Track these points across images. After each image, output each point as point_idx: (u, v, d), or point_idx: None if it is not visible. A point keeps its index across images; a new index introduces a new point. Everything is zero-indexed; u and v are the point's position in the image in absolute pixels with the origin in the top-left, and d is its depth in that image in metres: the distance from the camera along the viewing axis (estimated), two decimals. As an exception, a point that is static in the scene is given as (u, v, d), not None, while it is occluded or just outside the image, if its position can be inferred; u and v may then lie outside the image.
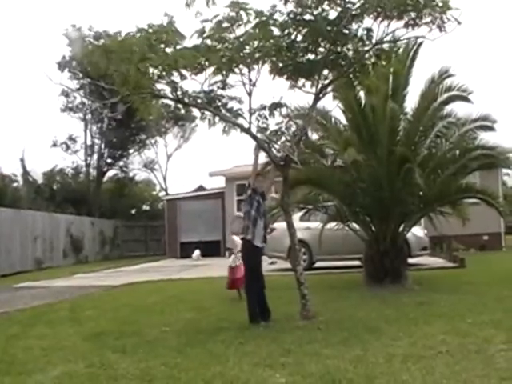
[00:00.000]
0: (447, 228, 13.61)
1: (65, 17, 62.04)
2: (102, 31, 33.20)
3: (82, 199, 37.39)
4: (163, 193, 46.98)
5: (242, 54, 8.26)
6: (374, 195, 11.78)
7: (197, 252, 28.18)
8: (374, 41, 8.61)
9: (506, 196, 31.75)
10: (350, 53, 8.72)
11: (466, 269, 15.36)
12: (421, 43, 11.80)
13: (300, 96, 10.68)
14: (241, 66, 8.47)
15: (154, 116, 9.72)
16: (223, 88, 8.78)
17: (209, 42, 8.23)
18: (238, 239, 9.86)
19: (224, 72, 8.48)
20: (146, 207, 46.89)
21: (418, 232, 16.78)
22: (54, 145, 38.81)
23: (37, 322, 9.79)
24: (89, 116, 38.57)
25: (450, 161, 12.21)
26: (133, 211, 44.46)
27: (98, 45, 8.75)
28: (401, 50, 11.80)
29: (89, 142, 39.35)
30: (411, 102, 12.64)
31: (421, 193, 12.10)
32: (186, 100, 8.83)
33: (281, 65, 8.54)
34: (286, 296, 9.10)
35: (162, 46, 8.23)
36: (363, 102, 12.05)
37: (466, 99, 12.14)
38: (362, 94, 11.82)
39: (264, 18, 8.12)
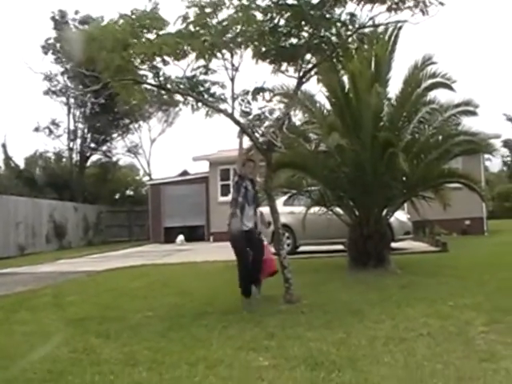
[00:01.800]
0: (430, 212, 13.73)
1: (48, -1, 61.38)
2: (87, 15, 33.15)
3: (64, 184, 37.12)
4: (147, 178, 46.77)
5: (224, 39, 8.27)
6: (358, 180, 11.83)
7: (180, 237, 28.20)
8: (356, 25, 8.62)
9: (487, 181, 32.11)
10: (333, 37, 8.73)
11: (448, 253, 15.50)
12: (401, 27, 11.76)
13: (283, 80, 10.71)
14: (223, 51, 8.48)
15: (136, 100, 9.66)
16: (206, 73, 8.79)
17: (191, 27, 8.22)
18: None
19: (206, 57, 8.47)
20: (129, 192, 46.74)
21: (401, 216, 16.90)
22: (37, 129, 38.44)
23: (19, 307, 9.75)
24: (72, 100, 38.23)
25: (432, 146, 12.29)
26: (116, 196, 44.25)
27: (80, 31, 8.78)
28: (383, 34, 11.89)
29: (72, 127, 38.99)
30: (394, 87, 12.72)
31: (404, 178, 12.19)
32: (169, 86, 8.83)
33: (264, 49, 8.56)
34: (269, 280, 9.12)
35: (145, 31, 8.23)
36: (347, 86, 12.05)
37: (449, 87, 12.21)
38: (345, 78, 11.83)
39: (246, 2, 8.11)
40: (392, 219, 14.19)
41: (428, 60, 12.27)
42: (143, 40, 8.21)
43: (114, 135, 41.53)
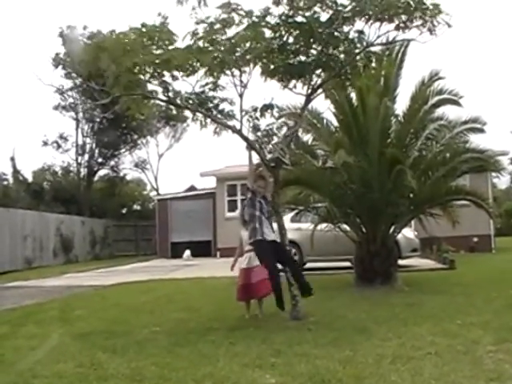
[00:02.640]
0: (437, 230, 13.70)
1: (60, 13, 62.15)
2: (96, 31, 33.38)
3: (72, 198, 37.32)
4: (154, 192, 47.00)
5: (233, 56, 8.32)
6: (365, 197, 11.80)
7: (187, 252, 28.21)
8: (364, 43, 8.66)
9: (495, 198, 32.01)
10: (342, 55, 8.78)
11: (455, 270, 15.44)
12: (408, 44, 11.82)
13: (291, 97, 10.75)
14: (232, 68, 8.52)
15: (145, 115, 9.76)
16: (214, 89, 8.83)
17: (201, 43, 8.28)
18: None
19: (215, 73, 8.53)
20: (136, 207, 46.97)
21: (408, 233, 16.84)
22: (45, 143, 38.76)
23: (26, 321, 9.75)
24: (81, 115, 38.63)
25: (440, 163, 12.27)
26: (123, 211, 44.45)
27: (90, 43, 8.87)
28: (391, 51, 11.96)
29: (80, 142, 39.37)
30: (401, 104, 12.75)
31: (411, 194, 12.17)
32: (178, 101, 8.90)
33: (272, 66, 8.61)
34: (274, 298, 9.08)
35: (154, 46, 8.31)
36: (354, 102, 12.10)
37: (456, 103, 12.25)
38: (353, 94, 11.89)
39: (256, 20, 8.18)
40: (399, 236, 14.15)
41: (435, 76, 12.31)
42: (152, 52, 8.29)
43: (122, 150, 41.76)
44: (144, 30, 8.23)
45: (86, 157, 39.70)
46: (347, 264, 16.21)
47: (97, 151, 40.01)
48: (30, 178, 39.84)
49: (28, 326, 9.23)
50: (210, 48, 8.31)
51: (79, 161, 39.63)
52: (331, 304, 9.83)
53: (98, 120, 37.98)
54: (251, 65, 8.52)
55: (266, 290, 8.71)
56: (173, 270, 21.21)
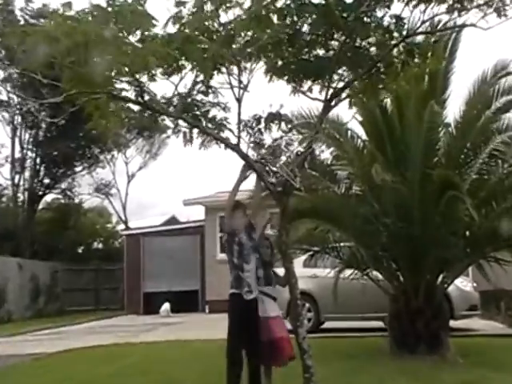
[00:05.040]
0: (505, 281, 13.59)
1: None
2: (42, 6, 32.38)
3: (6, 233, 36.58)
4: (122, 226, 46.98)
5: (230, 50, 8.40)
6: (403, 234, 11.85)
7: (166, 306, 28.25)
8: (404, 32, 8.73)
9: None
10: (373, 48, 8.89)
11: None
12: (461, 31, 11.97)
13: (306, 103, 10.84)
14: (227, 64, 8.61)
15: (112, 128, 9.63)
16: (205, 92, 8.93)
17: (187, 30, 8.34)
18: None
19: (206, 71, 8.54)
20: (97, 245, 46.80)
21: (463, 285, 16.83)
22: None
23: None
24: (18, 119, 37.76)
25: (508, 189, 12.15)
26: (79, 250, 44.23)
27: (35, 29, 8.50)
28: (438, 42, 11.99)
29: (17, 155, 38.29)
30: (453, 110, 12.86)
31: (467, 232, 12.17)
32: (155, 106, 8.84)
33: (280, 63, 8.72)
34: (283, 368, 9.10)
35: (126, 33, 8.16)
36: (389, 110, 12.21)
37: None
38: (387, 100, 12.00)
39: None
40: (451, 289, 14.17)
41: (501, 70, 12.36)
42: (124, 47, 8.13)
43: (78, 168, 41.25)
44: (110, 9, 7.98)
45: (27, 176, 38.73)
46: (379, 324, 16.24)
47: (42, 169, 39.09)
48: None
49: None
50: (200, 37, 8.36)
51: (16, 181, 38.61)
52: (357, 380, 9.86)
53: (43, 126, 37.36)
54: (253, 60, 8.63)
55: (290, 350, 8.72)
56: (146, 331, 21.25)
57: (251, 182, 9.21)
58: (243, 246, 8.46)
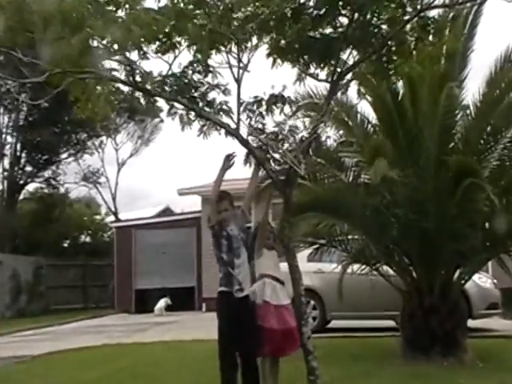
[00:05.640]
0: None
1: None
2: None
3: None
4: (112, 218, 47.01)
5: (228, 26, 8.40)
6: (416, 226, 11.83)
7: (162, 303, 28.25)
8: (419, 6, 8.69)
9: None
10: (384, 25, 8.86)
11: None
12: (483, 2, 11.87)
13: (311, 85, 10.85)
14: (227, 43, 8.61)
15: (101, 114, 9.52)
16: (202, 72, 8.92)
17: (182, 5, 8.32)
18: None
19: (203, 49, 8.55)
20: (85, 238, 46.71)
21: (482, 281, 16.85)
22: None
23: None
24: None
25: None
26: (65, 244, 44.14)
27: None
28: (456, 17, 11.94)
29: None
30: (472, 91, 12.77)
31: (487, 223, 12.19)
32: (148, 87, 8.79)
33: (283, 41, 8.72)
34: (286, 369, 9.12)
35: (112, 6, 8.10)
36: (401, 92, 12.23)
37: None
38: (399, 83, 11.91)
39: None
40: (469, 285, 14.22)
41: (528, 46, 12.20)
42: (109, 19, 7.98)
43: (63, 155, 41.31)
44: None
45: (6, 163, 38.84)
46: (390, 323, 16.30)
47: (23, 156, 39.14)
48: None
49: None
50: (197, 11, 8.33)
51: (-5, 169, 38.43)
52: (367, 383, 9.90)
53: (24, 109, 37.27)
54: (254, 39, 8.64)
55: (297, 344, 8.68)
56: (139, 331, 21.34)
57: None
58: (232, 240, 8.39)
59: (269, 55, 8.90)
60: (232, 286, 8.23)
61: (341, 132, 13.30)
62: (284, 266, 8.98)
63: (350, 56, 9.02)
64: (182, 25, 8.26)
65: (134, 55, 8.57)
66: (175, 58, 8.69)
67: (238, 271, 8.27)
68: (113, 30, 7.91)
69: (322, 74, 9.09)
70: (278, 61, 8.98)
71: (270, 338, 8.45)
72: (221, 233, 8.40)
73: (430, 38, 9.34)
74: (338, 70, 8.97)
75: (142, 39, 8.18)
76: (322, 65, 8.99)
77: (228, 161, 8.50)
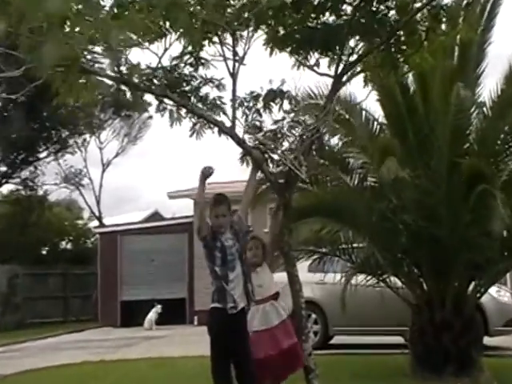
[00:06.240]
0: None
1: None
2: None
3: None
4: (95, 222, 46.95)
5: (223, 15, 8.43)
6: (426, 233, 11.83)
7: (152, 314, 28.26)
8: None
9: None
10: (392, 13, 8.94)
11: None
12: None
13: (312, 80, 10.84)
14: (221, 33, 8.64)
15: (85, 100, 9.43)
16: (196, 65, 8.95)
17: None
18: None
19: (195, 40, 8.57)
20: (66, 245, 46.63)
21: (500, 295, 16.83)
22: None
23: None
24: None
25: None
26: (44, 251, 44.06)
27: None
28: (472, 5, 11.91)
29: None
30: (489, 87, 12.71)
31: (505, 232, 12.19)
32: (136, 80, 8.79)
33: (283, 31, 8.77)
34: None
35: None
36: (411, 88, 12.25)
37: None
38: (409, 76, 11.99)
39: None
40: (485, 299, 14.20)
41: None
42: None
43: (42, 154, 41.10)
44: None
45: None
46: (398, 339, 16.32)
47: None
48: None
49: None
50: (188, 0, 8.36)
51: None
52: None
53: None
54: (250, 28, 8.65)
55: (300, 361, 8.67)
56: (124, 346, 21.38)
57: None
58: (226, 251, 8.17)
59: (266, 44, 8.94)
60: (226, 303, 8.02)
61: (344, 132, 13.24)
62: (283, 276, 8.98)
63: (355, 48, 9.05)
64: (173, 15, 8.22)
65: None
66: (165, 50, 8.68)
67: (232, 286, 8.06)
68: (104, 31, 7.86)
69: (324, 67, 9.13)
70: (276, 49, 9.01)
71: (269, 364, 8.42)
72: (214, 243, 8.17)
73: (443, 27, 9.40)
74: (342, 62, 8.99)
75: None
76: (324, 57, 9.00)
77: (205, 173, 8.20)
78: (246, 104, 8.97)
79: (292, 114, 9.18)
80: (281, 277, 8.98)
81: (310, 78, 9.30)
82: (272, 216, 9.05)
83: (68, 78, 8.63)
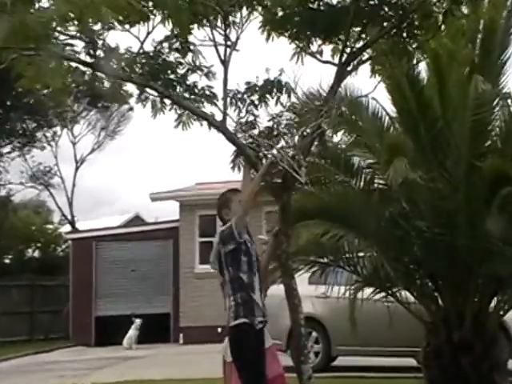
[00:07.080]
0: None
1: None
2: None
3: None
4: (67, 227, 46.85)
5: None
6: (442, 242, 11.78)
7: (131, 331, 28.33)
8: None
9: None
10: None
11: None
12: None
13: (314, 68, 10.92)
14: (211, 16, 8.72)
15: (55, 87, 9.41)
16: (182, 50, 9.03)
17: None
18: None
19: (182, 23, 8.64)
20: (33, 252, 46.58)
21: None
22: None
23: None
24: None
25: None
26: (7, 259, 44.01)
27: None
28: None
29: None
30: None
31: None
32: (114, 66, 8.81)
33: (281, 14, 8.86)
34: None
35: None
36: (425, 79, 12.32)
37: None
38: (422, 66, 12.01)
39: None
40: (509, 317, 14.26)
41: None
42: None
43: (6, 149, 41.18)
44: None
45: None
46: (410, 362, 16.34)
47: None
48: None
49: None
50: None
51: None
52: None
53: None
54: (244, 10, 8.74)
55: None
56: (99, 368, 21.38)
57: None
58: (251, 254, 7.86)
59: (263, 27, 9.01)
60: (254, 317, 7.66)
61: (348, 128, 13.29)
62: (280, 289, 9.01)
63: (361, 33, 9.11)
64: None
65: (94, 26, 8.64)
66: (148, 33, 8.74)
67: (258, 294, 7.76)
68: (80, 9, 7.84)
69: (328, 56, 9.18)
70: (274, 36, 9.07)
71: None
72: (240, 246, 7.80)
73: (463, 9, 9.46)
74: (348, 49, 9.05)
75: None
76: (327, 44, 9.06)
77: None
78: (239, 96, 8.97)
79: (290, 112, 9.22)
80: (278, 290, 9.00)
81: (311, 68, 9.28)
82: (273, 238, 8.82)
83: (34, 61, 8.59)
